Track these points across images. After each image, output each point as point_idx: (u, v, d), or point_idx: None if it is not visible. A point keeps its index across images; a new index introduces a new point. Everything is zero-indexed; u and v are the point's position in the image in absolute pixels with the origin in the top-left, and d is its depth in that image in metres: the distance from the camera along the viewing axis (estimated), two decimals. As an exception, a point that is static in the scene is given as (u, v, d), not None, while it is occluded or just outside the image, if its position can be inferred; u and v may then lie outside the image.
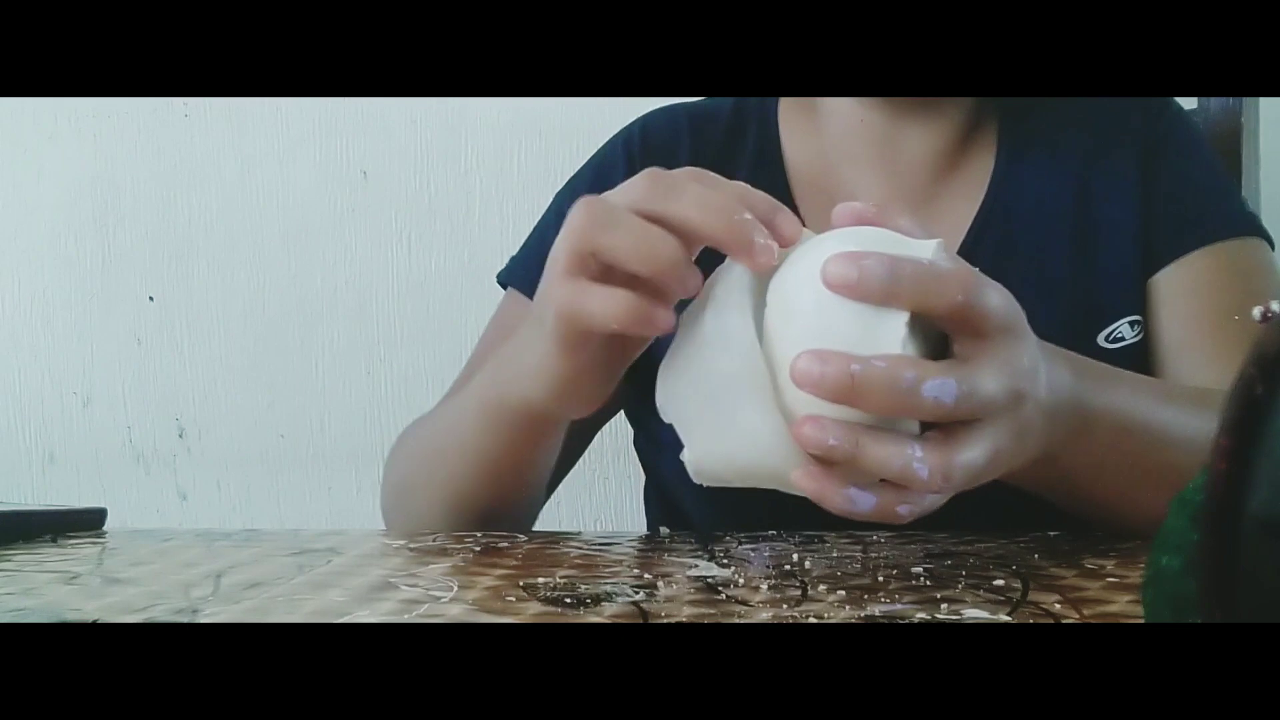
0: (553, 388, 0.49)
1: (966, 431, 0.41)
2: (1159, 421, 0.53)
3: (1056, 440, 0.47)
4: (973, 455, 0.41)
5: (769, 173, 0.74)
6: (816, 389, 0.39)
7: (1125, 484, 0.53)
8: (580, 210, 0.44)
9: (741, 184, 0.45)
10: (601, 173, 0.77)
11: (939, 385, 0.39)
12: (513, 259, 0.79)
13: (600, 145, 0.80)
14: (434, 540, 0.59)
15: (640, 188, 0.44)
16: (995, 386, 0.41)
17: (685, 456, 0.44)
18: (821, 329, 0.40)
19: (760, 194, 0.44)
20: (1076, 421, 0.48)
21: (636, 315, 0.43)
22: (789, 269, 0.43)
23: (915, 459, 0.40)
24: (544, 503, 0.70)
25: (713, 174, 0.45)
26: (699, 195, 0.43)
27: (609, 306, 0.43)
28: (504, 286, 0.79)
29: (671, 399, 0.44)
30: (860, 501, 0.41)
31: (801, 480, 0.41)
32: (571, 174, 0.81)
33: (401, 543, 0.58)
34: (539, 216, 0.80)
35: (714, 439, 0.43)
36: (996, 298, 0.42)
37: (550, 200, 0.80)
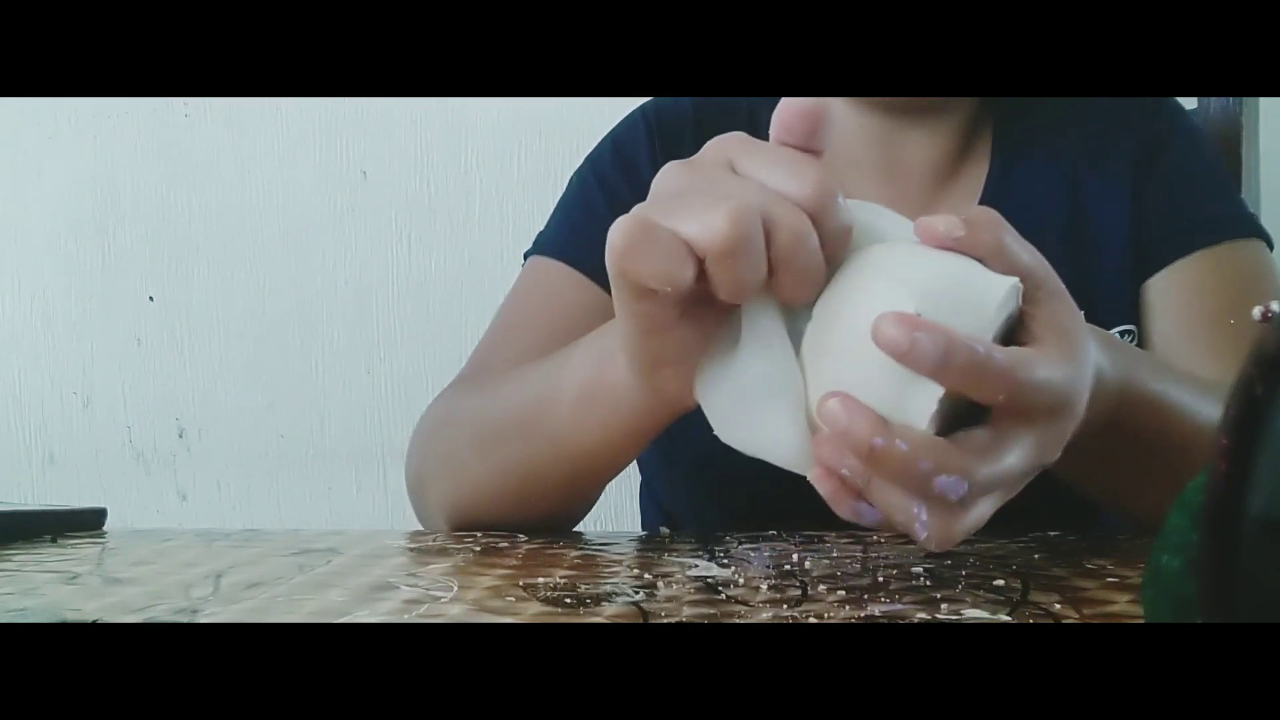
0: (641, 366, 0.46)
1: (1007, 432, 0.40)
2: (1183, 404, 0.52)
3: (1089, 429, 0.45)
4: (977, 517, 0.40)
5: None
6: (836, 435, 0.39)
7: (1141, 468, 0.52)
8: (728, 209, 0.38)
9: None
10: (622, 146, 0.78)
11: (951, 483, 0.38)
12: (542, 235, 0.78)
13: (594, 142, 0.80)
14: (434, 540, 0.59)
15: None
16: (1016, 463, 0.40)
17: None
18: (859, 366, 0.39)
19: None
20: (1109, 412, 0.47)
21: (692, 270, 0.39)
22: (843, 282, 0.41)
23: (919, 521, 0.39)
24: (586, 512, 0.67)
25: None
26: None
27: (670, 251, 0.39)
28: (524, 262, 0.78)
29: (703, 383, 0.43)
30: (866, 515, 0.41)
31: (817, 482, 0.41)
32: (569, 173, 0.81)
33: (401, 543, 0.58)
34: (539, 216, 0.80)
35: (739, 430, 0.43)
36: (1045, 376, 0.39)
37: (564, 182, 0.80)
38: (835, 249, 0.41)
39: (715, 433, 0.43)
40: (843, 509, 0.41)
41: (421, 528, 0.67)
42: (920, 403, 0.38)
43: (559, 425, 0.54)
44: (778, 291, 0.41)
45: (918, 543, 0.40)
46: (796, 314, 0.42)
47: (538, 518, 0.61)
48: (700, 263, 0.39)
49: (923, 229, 0.41)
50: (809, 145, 0.41)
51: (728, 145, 0.42)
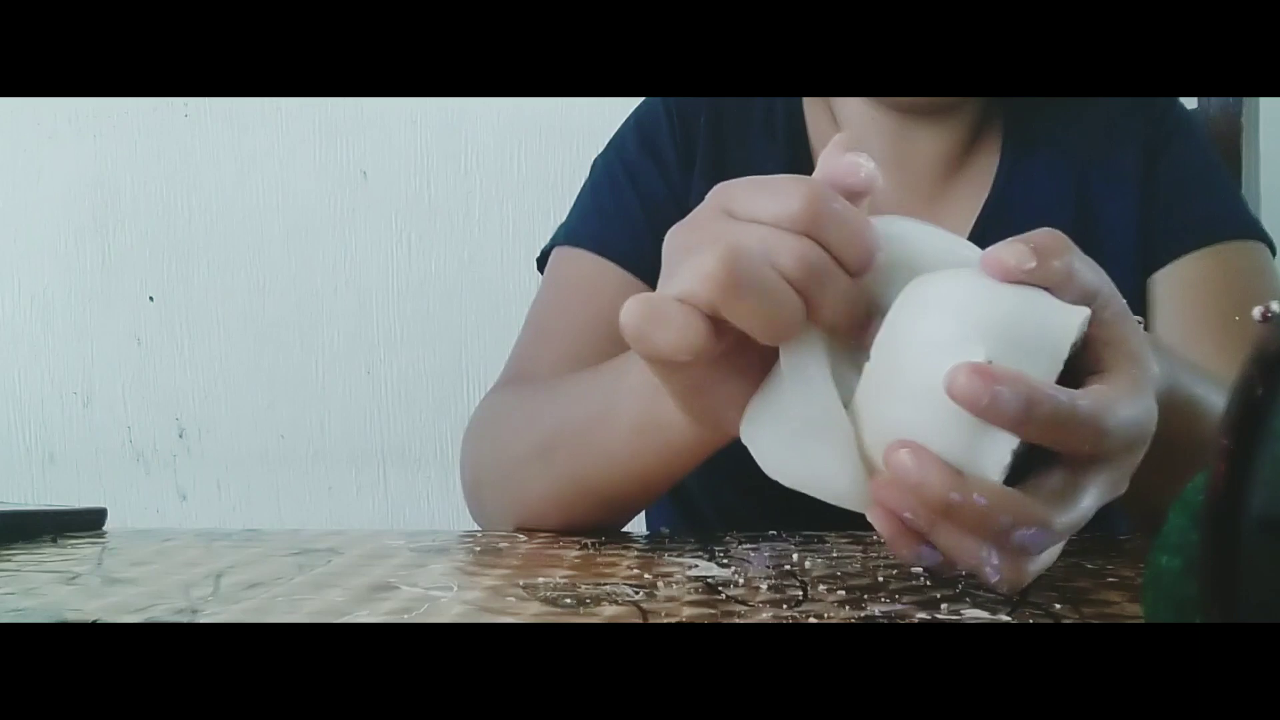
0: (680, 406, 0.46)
1: (1080, 473, 0.38)
2: (1211, 403, 0.51)
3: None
4: (1049, 558, 0.40)
5: (798, 154, 0.74)
6: (908, 487, 0.37)
7: (1170, 467, 0.51)
8: (716, 257, 0.38)
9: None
10: (645, 128, 0.77)
11: (1031, 536, 0.37)
12: (569, 225, 0.77)
13: (600, 142, 0.80)
14: (434, 540, 0.59)
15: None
16: (1092, 504, 0.38)
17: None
18: (927, 413, 0.37)
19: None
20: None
21: (709, 343, 0.39)
22: (904, 320, 0.39)
23: (989, 565, 0.37)
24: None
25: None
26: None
27: (683, 325, 0.39)
28: (540, 263, 0.78)
29: (747, 420, 0.42)
30: (927, 558, 0.39)
31: (877, 522, 0.39)
32: (569, 173, 0.81)
33: (401, 543, 0.58)
34: (539, 216, 0.80)
35: (786, 468, 0.42)
36: (1128, 415, 0.38)
37: (587, 173, 0.80)
38: (855, 262, 0.39)
39: (763, 469, 0.42)
40: (903, 552, 0.39)
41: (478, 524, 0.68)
42: (995, 454, 0.37)
43: (615, 447, 0.54)
44: (817, 321, 0.40)
45: (987, 585, 0.39)
46: (854, 352, 0.41)
47: (593, 524, 0.61)
48: (715, 318, 0.38)
49: (991, 264, 0.39)
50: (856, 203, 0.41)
51: (722, 192, 0.42)
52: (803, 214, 0.39)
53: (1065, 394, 0.36)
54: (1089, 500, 0.38)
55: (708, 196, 0.43)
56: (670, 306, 0.38)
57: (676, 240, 0.43)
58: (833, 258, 0.39)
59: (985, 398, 0.35)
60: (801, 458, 0.41)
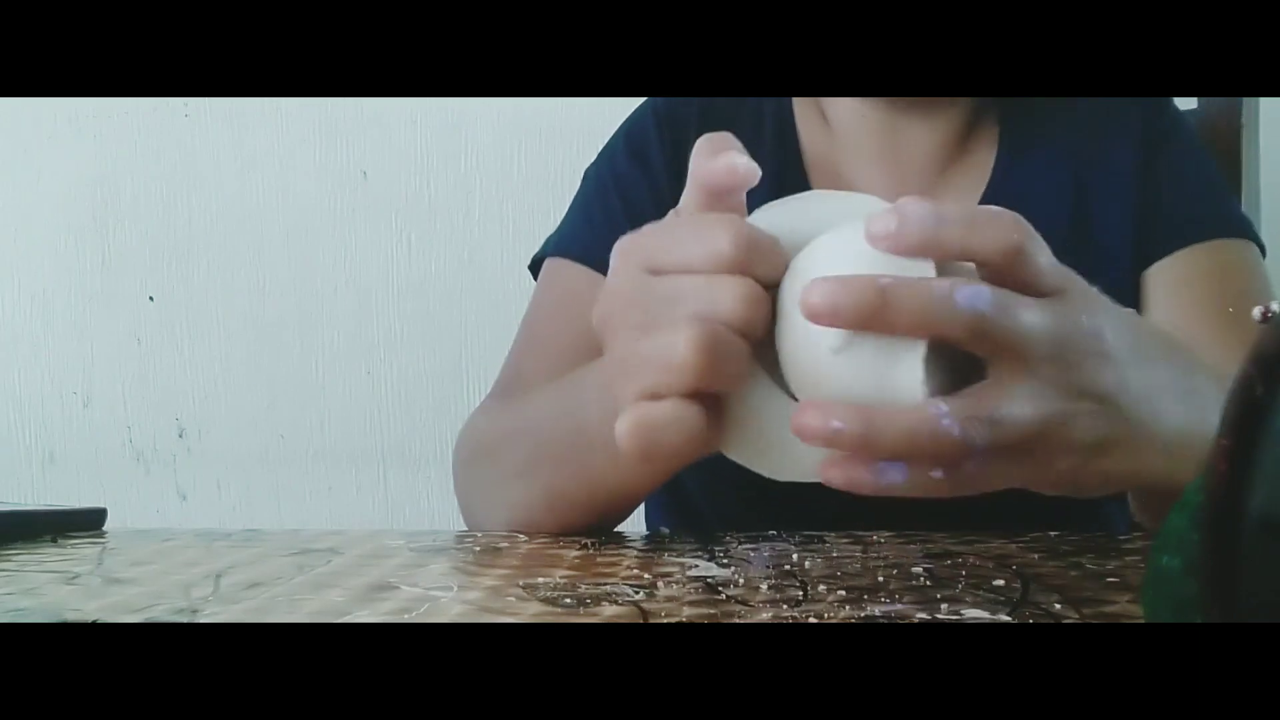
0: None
1: (1005, 377, 0.37)
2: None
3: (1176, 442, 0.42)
4: (1017, 408, 0.37)
5: (787, 155, 0.75)
6: (841, 312, 0.36)
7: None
8: (692, 336, 0.38)
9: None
10: (633, 140, 0.78)
11: (974, 292, 0.35)
12: (558, 235, 0.78)
13: (601, 142, 0.81)
14: (434, 540, 0.59)
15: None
16: (1043, 320, 0.37)
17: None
18: (827, 368, 0.38)
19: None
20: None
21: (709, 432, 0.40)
22: (786, 299, 0.39)
23: (942, 416, 0.36)
24: None
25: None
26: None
27: (686, 422, 0.39)
28: (533, 269, 0.78)
29: (731, 451, 0.43)
30: (889, 473, 0.37)
31: (827, 472, 0.38)
32: (569, 173, 0.81)
33: (401, 543, 0.58)
34: (539, 216, 0.80)
35: (784, 473, 0.42)
36: (1049, 258, 0.38)
37: (580, 179, 0.80)
38: (776, 279, 0.40)
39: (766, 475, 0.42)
40: (864, 481, 0.37)
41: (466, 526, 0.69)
42: (907, 369, 0.37)
43: (590, 460, 0.55)
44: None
45: (955, 449, 0.36)
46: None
47: (586, 527, 0.62)
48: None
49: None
50: (730, 207, 0.40)
51: (634, 251, 0.41)
52: (735, 253, 0.39)
53: (920, 281, 0.36)
54: (1016, 406, 0.37)
55: (615, 256, 0.42)
56: (658, 415, 0.38)
57: (613, 317, 0.42)
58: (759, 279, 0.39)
59: (894, 222, 0.36)
60: (785, 457, 0.41)
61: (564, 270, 0.75)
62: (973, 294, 0.35)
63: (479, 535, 0.60)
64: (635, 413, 0.38)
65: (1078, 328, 0.38)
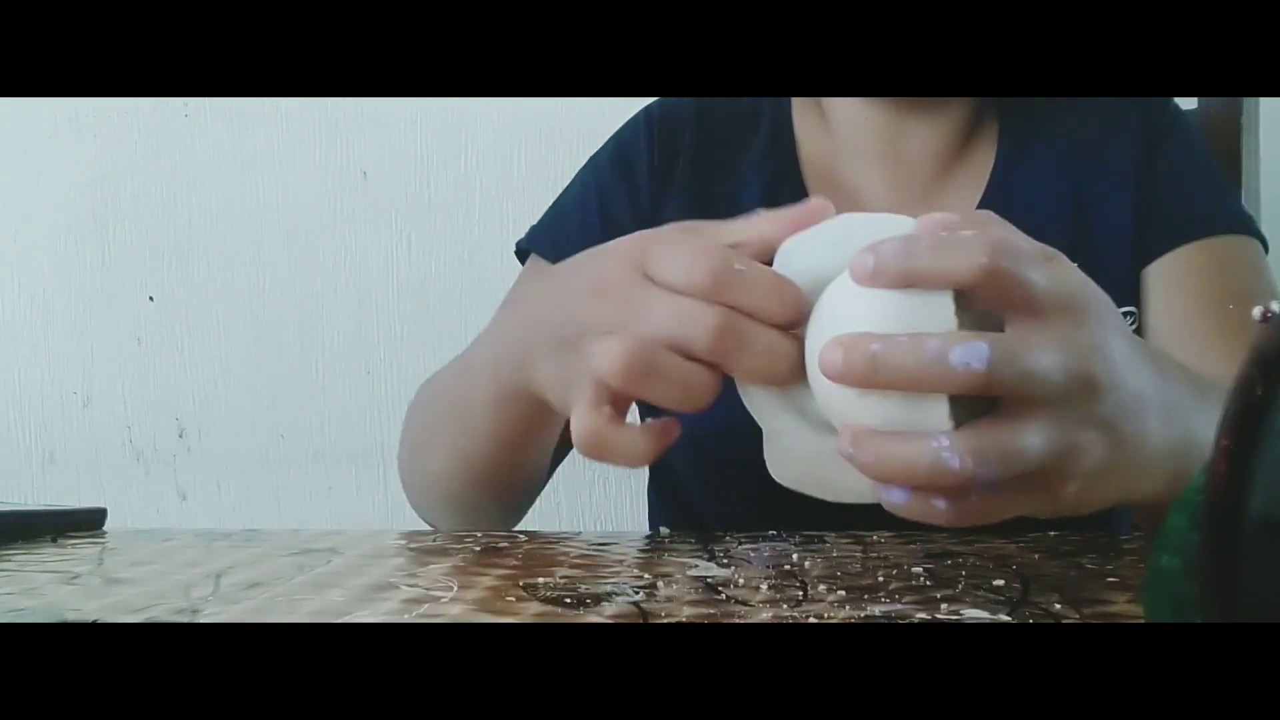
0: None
1: (1015, 413, 0.37)
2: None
3: (1194, 465, 0.43)
4: (1021, 440, 0.37)
5: (783, 161, 0.75)
6: (842, 377, 0.37)
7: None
8: (620, 350, 0.42)
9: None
10: (623, 149, 0.79)
11: (968, 349, 0.36)
12: (536, 228, 0.79)
13: (600, 142, 0.81)
14: (434, 540, 0.59)
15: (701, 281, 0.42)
16: (1048, 360, 0.37)
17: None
18: (860, 402, 0.39)
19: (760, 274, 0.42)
20: (1201, 452, 0.44)
21: (656, 453, 0.45)
22: (814, 330, 0.41)
23: (943, 449, 0.37)
24: (544, 485, 0.71)
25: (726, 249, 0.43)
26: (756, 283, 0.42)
27: (630, 450, 0.45)
28: (520, 255, 0.79)
29: (779, 476, 0.46)
30: (892, 495, 0.39)
31: (889, 504, 0.40)
32: (569, 173, 0.81)
33: (401, 543, 0.58)
34: (538, 216, 0.80)
35: (824, 492, 0.45)
36: (1036, 266, 0.38)
37: (573, 175, 0.81)
38: (777, 317, 0.41)
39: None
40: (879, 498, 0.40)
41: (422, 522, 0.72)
42: (933, 408, 0.37)
43: (479, 419, 0.59)
44: (747, 380, 0.43)
45: (954, 480, 0.37)
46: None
47: (493, 501, 0.65)
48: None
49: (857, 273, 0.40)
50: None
51: (641, 251, 0.44)
52: (710, 285, 0.41)
53: (914, 337, 0.37)
54: (1034, 347, 0.37)
55: (627, 247, 0.45)
56: (616, 436, 0.44)
57: (592, 308, 0.45)
58: (754, 317, 0.41)
59: (870, 260, 0.37)
60: (822, 483, 0.44)
61: (536, 267, 0.77)
62: (968, 351, 0.36)
63: (479, 535, 0.60)
64: (590, 434, 0.44)
65: (1084, 361, 0.38)
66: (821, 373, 0.38)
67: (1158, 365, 0.44)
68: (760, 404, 0.44)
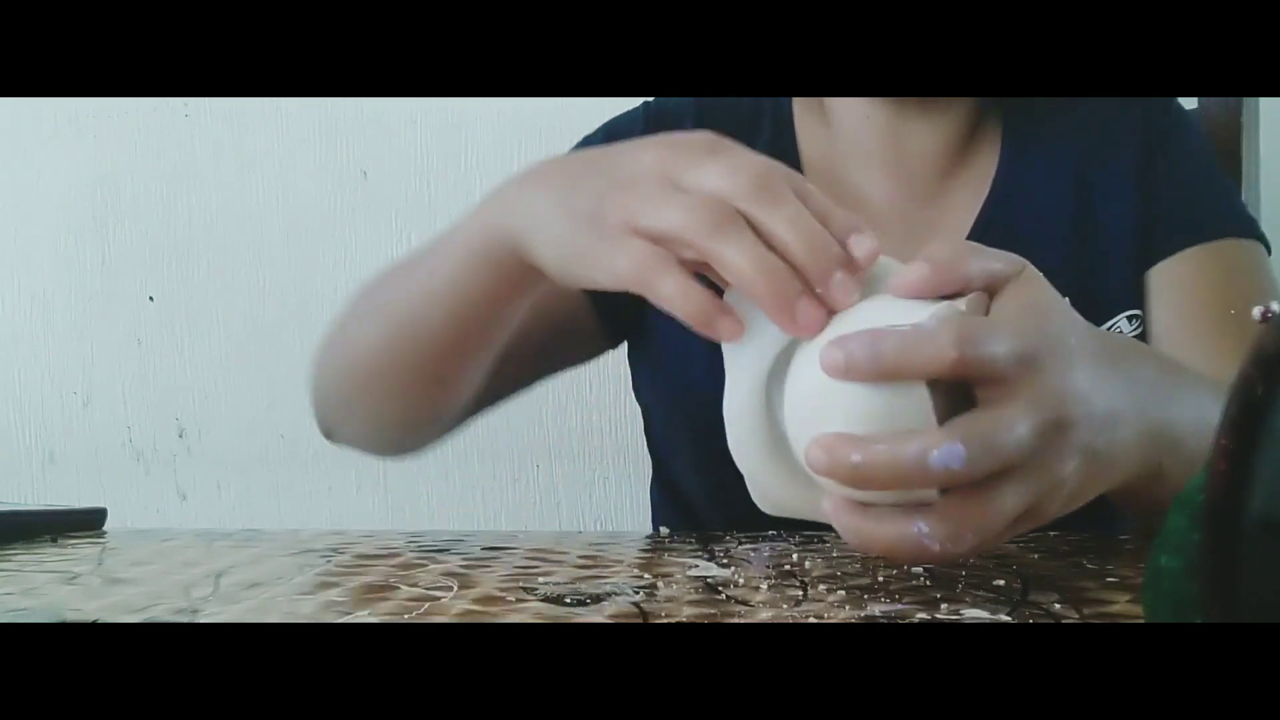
0: (577, 271, 0.48)
1: (987, 487, 0.39)
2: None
3: (1162, 449, 0.45)
4: (995, 510, 0.39)
5: (784, 158, 0.74)
6: (830, 477, 0.39)
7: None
8: (700, 208, 0.42)
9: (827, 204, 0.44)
10: (614, 139, 0.78)
11: (946, 453, 0.37)
12: None
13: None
14: (434, 540, 0.59)
15: (746, 184, 0.43)
16: (1021, 430, 0.38)
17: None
18: (836, 400, 0.40)
19: (841, 214, 0.44)
20: (1170, 434, 0.46)
21: (706, 319, 0.43)
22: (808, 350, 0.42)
23: (923, 535, 0.39)
24: (468, 413, 0.68)
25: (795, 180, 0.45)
26: (796, 217, 0.43)
27: (684, 300, 0.43)
28: None
29: (763, 503, 0.47)
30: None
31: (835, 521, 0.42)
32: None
33: (401, 543, 0.58)
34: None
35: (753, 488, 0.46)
36: (1000, 340, 0.39)
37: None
38: (802, 250, 0.42)
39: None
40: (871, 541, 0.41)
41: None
42: (913, 407, 0.39)
43: (437, 279, 0.57)
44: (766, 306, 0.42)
45: (936, 560, 0.40)
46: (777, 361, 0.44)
47: (413, 382, 0.61)
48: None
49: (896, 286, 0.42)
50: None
51: (669, 158, 0.45)
52: (746, 188, 0.43)
53: (908, 326, 0.39)
54: (1007, 422, 0.38)
55: (652, 147, 0.46)
56: (746, 237, 0.42)
57: (620, 199, 0.45)
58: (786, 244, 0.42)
59: (841, 356, 0.39)
60: (805, 509, 0.45)
61: None
62: (945, 455, 0.37)
63: (479, 535, 0.60)
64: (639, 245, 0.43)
65: (1054, 409, 0.40)
66: (808, 467, 0.40)
67: (1120, 361, 0.45)
68: (747, 460, 0.45)
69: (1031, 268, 0.43)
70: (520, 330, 0.60)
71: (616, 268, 0.44)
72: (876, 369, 0.39)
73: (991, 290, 0.42)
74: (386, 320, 0.60)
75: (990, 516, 0.39)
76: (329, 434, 0.72)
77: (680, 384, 0.72)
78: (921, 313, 0.40)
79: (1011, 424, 0.38)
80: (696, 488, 0.74)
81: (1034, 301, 0.42)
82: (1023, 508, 0.39)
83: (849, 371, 0.39)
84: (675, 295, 0.43)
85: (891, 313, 0.40)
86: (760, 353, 0.44)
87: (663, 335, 0.73)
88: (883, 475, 0.38)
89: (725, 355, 0.45)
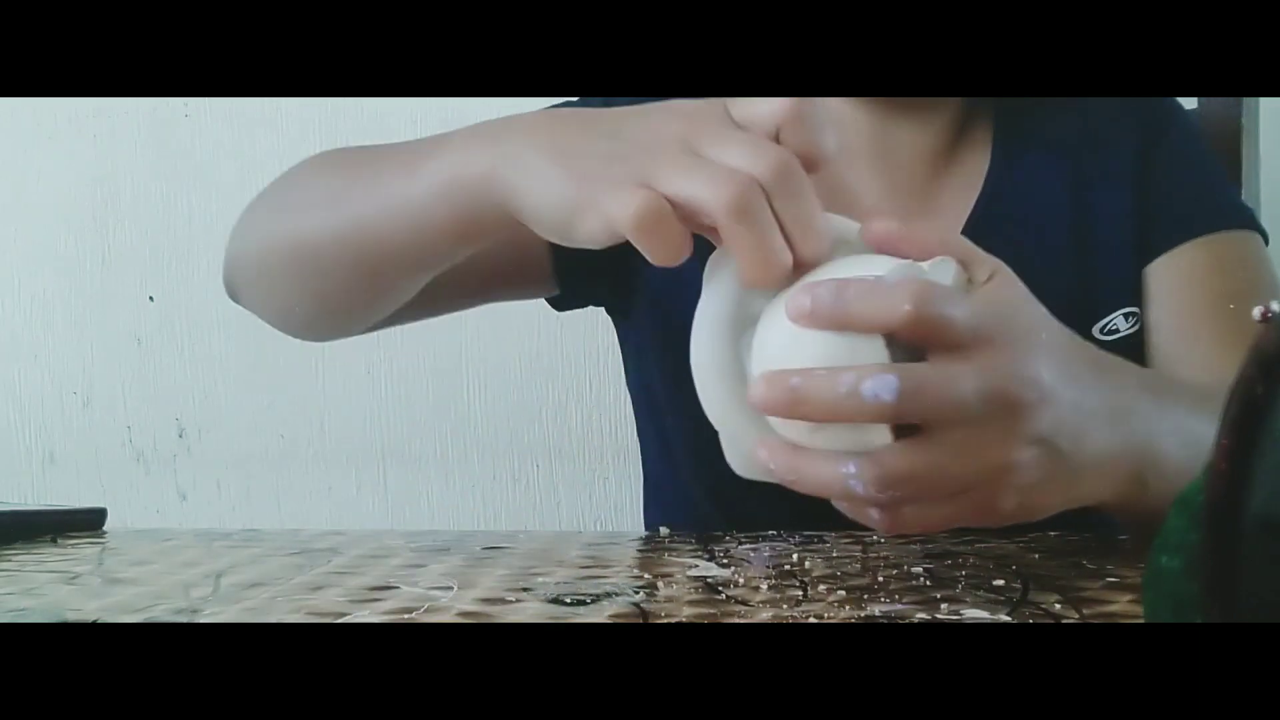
0: (563, 224, 0.46)
1: (922, 439, 0.39)
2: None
3: (1146, 464, 0.45)
4: (935, 465, 0.39)
5: None
6: (769, 410, 0.40)
7: None
8: (728, 182, 0.41)
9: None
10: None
11: (877, 382, 0.38)
12: None
13: None
14: (434, 540, 0.59)
15: (771, 169, 0.42)
16: (964, 388, 0.39)
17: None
18: (798, 347, 0.41)
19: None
20: (1155, 449, 0.46)
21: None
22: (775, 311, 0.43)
23: (849, 475, 0.39)
24: (391, 315, 0.68)
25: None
26: (811, 215, 0.43)
27: (675, 255, 0.43)
28: None
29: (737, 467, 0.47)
30: (835, 499, 0.42)
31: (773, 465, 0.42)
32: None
33: (401, 543, 0.58)
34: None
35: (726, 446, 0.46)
36: (958, 307, 0.40)
37: None
38: (800, 233, 0.42)
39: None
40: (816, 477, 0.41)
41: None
42: (876, 431, 0.39)
43: (410, 202, 0.53)
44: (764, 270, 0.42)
45: (861, 503, 0.40)
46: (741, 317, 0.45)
47: (347, 281, 0.60)
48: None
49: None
50: None
51: (692, 128, 0.45)
52: (770, 170, 0.42)
53: (827, 375, 0.39)
54: (947, 376, 0.39)
55: (671, 113, 0.47)
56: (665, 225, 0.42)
57: (639, 161, 0.44)
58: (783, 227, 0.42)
59: (808, 301, 0.40)
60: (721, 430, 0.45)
61: None
62: (877, 383, 0.38)
63: (479, 535, 0.60)
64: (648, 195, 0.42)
65: (1004, 384, 0.40)
66: (754, 404, 0.41)
67: (1102, 371, 0.45)
68: (715, 407, 0.45)
69: (1008, 270, 0.44)
70: (469, 260, 0.57)
71: (613, 214, 0.43)
72: (837, 315, 0.39)
73: (967, 272, 0.43)
74: (340, 218, 0.58)
75: (922, 471, 0.39)
76: (234, 294, 0.70)
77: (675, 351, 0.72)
78: (886, 268, 0.41)
79: (953, 377, 0.39)
80: (696, 486, 0.74)
81: (1008, 296, 0.43)
82: (963, 474, 0.40)
83: (813, 316, 0.40)
84: (669, 250, 0.42)
85: (860, 268, 0.41)
86: (729, 299, 0.44)
87: (657, 294, 0.72)
88: (817, 401, 0.39)
89: (699, 305, 0.45)
